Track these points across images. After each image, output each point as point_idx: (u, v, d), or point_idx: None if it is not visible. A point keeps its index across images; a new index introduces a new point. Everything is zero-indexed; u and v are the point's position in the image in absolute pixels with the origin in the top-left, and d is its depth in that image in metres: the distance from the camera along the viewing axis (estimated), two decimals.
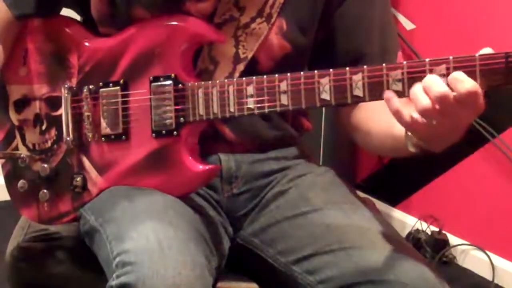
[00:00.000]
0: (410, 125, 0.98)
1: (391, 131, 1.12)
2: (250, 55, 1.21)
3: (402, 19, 2.65)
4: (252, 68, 1.21)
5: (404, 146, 1.06)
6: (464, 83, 0.92)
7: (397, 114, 0.98)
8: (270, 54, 1.22)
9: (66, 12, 1.30)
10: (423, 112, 0.95)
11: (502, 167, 2.39)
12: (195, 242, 1.06)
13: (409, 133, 1.02)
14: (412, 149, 1.05)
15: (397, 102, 0.97)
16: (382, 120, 1.14)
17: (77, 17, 1.32)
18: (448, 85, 0.94)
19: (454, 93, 0.93)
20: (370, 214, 1.21)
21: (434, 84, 0.94)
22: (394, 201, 2.87)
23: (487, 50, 0.95)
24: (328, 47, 1.26)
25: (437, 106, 0.94)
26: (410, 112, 0.97)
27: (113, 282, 1.01)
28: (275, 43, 1.22)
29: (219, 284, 1.17)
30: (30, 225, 1.35)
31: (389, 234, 1.16)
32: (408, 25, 2.63)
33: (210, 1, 1.19)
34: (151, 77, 1.16)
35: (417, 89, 0.96)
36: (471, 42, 2.40)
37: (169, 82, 1.15)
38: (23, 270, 1.30)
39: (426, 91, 0.95)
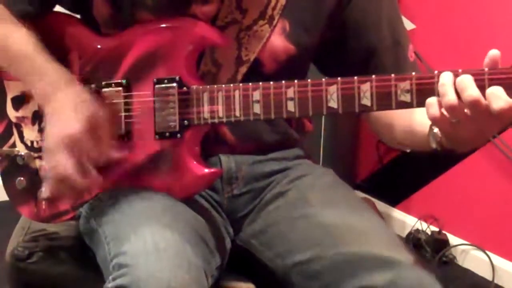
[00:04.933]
0: (435, 118, 0.97)
1: (412, 125, 1.12)
2: (252, 57, 1.21)
3: (402, 19, 2.64)
4: (256, 70, 1.21)
5: (425, 141, 1.05)
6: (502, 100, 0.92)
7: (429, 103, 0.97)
8: (273, 56, 1.22)
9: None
10: (449, 109, 0.94)
11: (502, 167, 2.39)
12: (192, 244, 1.06)
13: (434, 130, 1.01)
14: (434, 146, 1.03)
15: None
16: (403, 112, 1.13)
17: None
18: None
19: (487, 102, 0.92)
20: (369, 215, 1.21)
21: (469, 87, 0.93)
22: (394, 201, 2.88)
23: (494, 52, 0.95)
24: (339, 46, 1.26)
25: (467, 110, 0.93)
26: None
27: (109, 284, 1.01)
28: (279, 45, 1.21)
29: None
30: (30, 225, 1.35)
31: (388, 237, 1.15)
32: (408, 25, 2.63)
33: (214, 4, 1.19)
34: (155, 79, 1.16)
35: (447, 83, 0.95)
36: (471, 42, 2.40)
37: (173, 84, 1.15)
38: (23, 270, 1.30)
39: (458, 91, 0.94)
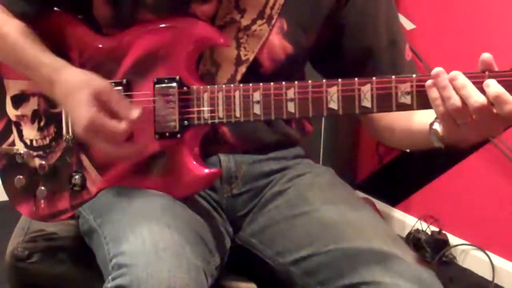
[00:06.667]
0: (444, 115, 0.97)
1: (412, 126, 1.12)
2: (251, 57, 1.21)
3: (402, 19, 2.65)
4: (255, 70, 1.21)
5: (426, 140, 1.05)
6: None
7: (436, 100, 0.97)
8: (272, 56, 1.22)
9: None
10: (455, 112, 0.95)
11: (502, 167, 2.39)
12: (191, 244, 1.06)
13: (434, 127, 1.02)
14: (437, 144, 1.03)
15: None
16: (402, 114, 1.13)
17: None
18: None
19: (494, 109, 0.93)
20: (368, 214, 1.21)
21: (474, 95, 0.94)
22: (394, 201, 2.88)
23: (486, 56, 0.95)
24: (336, 46, 1.26)
25: (473, 115, 0.94)
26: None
27: (108, 284, 1.02)
28: (276, 44, 1.21)
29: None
30: (30, 225, 1.35)
31: (387, 233, 1.16)
32: (408, 25, 2.63)
33: (212, 3, 1.19)
34: (155, 79, 1.16)
35: (448, 86, 0.95)
36: (471, 42, 2.40)
37: (173, 84, 1.15)
38: (23, 270, 1.30)
39: (462, 97, 0.94)
